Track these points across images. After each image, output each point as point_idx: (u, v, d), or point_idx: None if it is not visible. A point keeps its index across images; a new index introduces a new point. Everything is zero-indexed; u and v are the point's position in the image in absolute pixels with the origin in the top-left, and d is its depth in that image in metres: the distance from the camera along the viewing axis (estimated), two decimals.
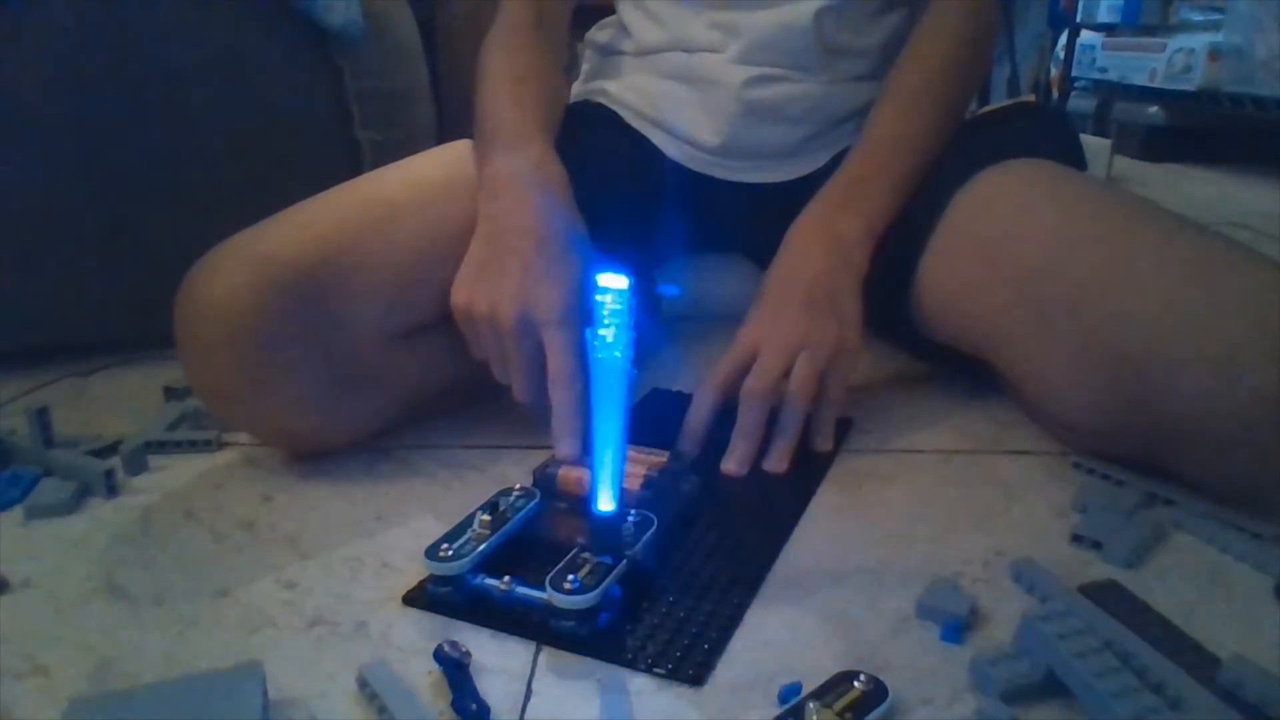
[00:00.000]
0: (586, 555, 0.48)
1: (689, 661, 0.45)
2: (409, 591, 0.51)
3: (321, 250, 0.62)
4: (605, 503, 0.48)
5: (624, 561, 0.48)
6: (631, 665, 0.45)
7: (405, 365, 0.66)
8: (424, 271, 0.63)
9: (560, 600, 0.45)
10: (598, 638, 0.46)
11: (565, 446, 0.59)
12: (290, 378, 0.61)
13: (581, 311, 0.59)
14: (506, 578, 0.48)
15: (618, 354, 0.45)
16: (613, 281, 0.45)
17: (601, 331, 0.45)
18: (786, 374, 0.62)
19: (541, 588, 0.46)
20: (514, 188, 0.63)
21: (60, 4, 0.82)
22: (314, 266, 0.61)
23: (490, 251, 0.62)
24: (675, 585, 0.51)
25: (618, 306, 0.45)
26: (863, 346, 0.65)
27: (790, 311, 0.64)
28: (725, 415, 0.64)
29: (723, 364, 0.65)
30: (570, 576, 0.46)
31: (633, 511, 0.51)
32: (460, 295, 0.62)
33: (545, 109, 0.71)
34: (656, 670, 0.44)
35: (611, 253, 0.76)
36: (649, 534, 0.51)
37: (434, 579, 0.50)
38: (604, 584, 0.46)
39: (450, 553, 0.49)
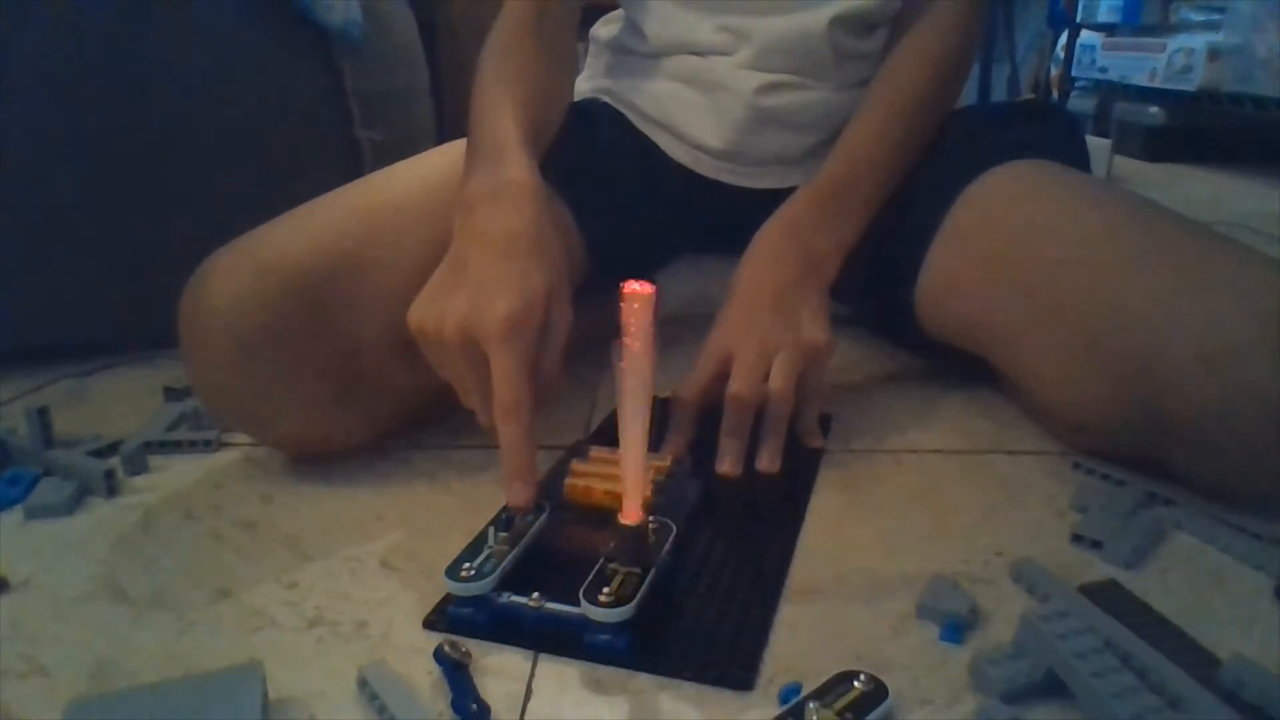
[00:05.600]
0: (615, 566, 0.47)
1: (733, 666, 0.44)
2: (428, 616, 0.49)
3: (327, 257, 0.62)
4: (632, 513, 0.47)
5: (653, 571, 0.48)
6: (676, 674, 0.44)
7: (409, 372, 0.65)
8: (428, 277, 0.62)
9: (598, 614, 0.45)
10: (635, 649, 0.45)
11: (517, 492, 0.52)
12: (294, 384, 0.61)
13: (538, 321, 0.54)
14: (536, 594, 0.47)
15: (643, 363, 0.45)
16: (638, 289, 0.45)
17: (626, 340, 0.45)
18: (764, 376, 0.62)
19: (572, 602, 0.46)
20: (487, 204, 0.58)
21: (60, 4, 0.82)
22: (319, 274, 0.61)
23: (451, 268, 0.57)
24: (698, 592, 0.50)
25: (643, 314, 0.45)
26: (834, 344, 0.65)
27: (762, 317, 0.64)
28: (704, 419, 0.64)
29: (698, 372, 0.65)
30: (605, 589, 0.45)
31: (652, 519, 0.50)
32: (414, 315, 0.56)
33: (535, 119, 0.68)
34: (704, 678, 0.44)
35: (614, 253, 0.76)
36: (669, 541, 0.50)
37: (455, 600, 0.48)
38: (640, 594, 0.45)
39: (472, 572, 0.48)
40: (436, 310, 0.55)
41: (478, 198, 0.59)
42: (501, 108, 0.65)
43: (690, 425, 0.64)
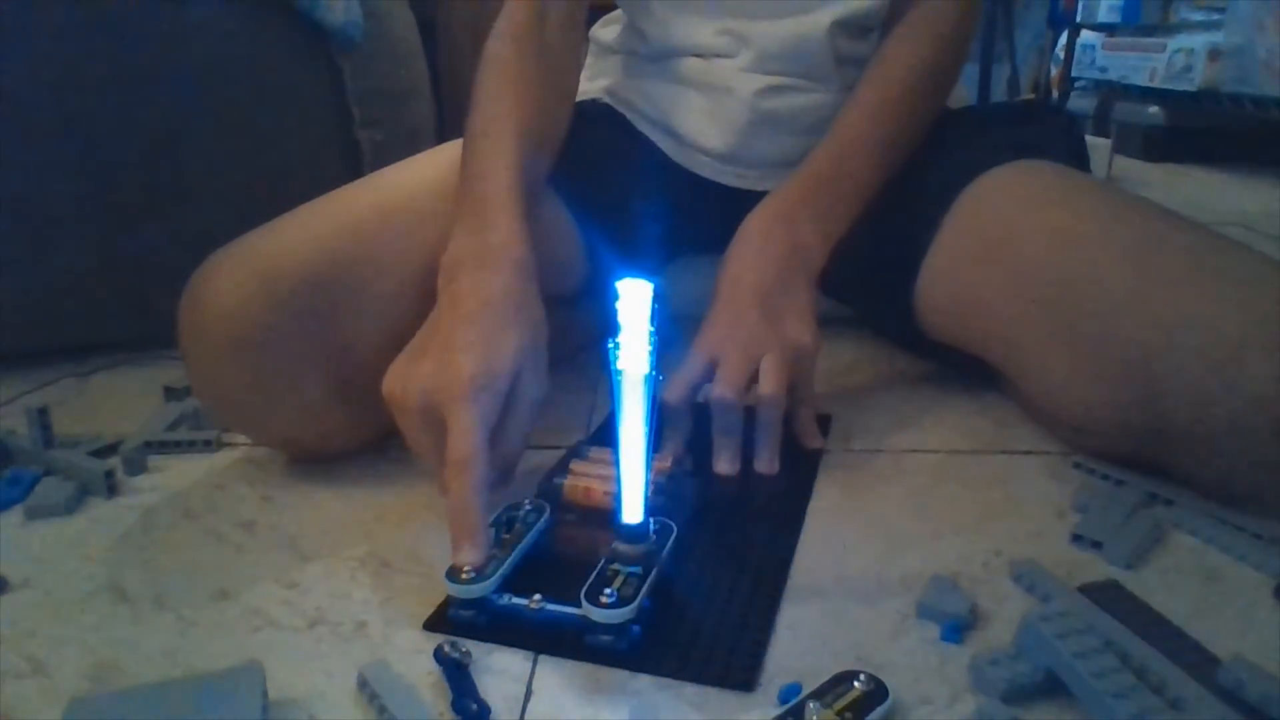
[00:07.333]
0: (616, 567, 0.47)
1: (734, 667, 0.44)
2: (429, 618, 0.49)
3: (326, 258, 0.62)
4: (633, 514, 0.47)
5: (654, 571, 0.47)
6: (677, 675, 0.44)
7: None
8: (428, 281, 0.61)
9: (599, 615, 0.44)
10: (636, 650, 0.45)
11: (464, 552, 0.48)
12: (294, 386, 0.61)
13: (502, 387, 0.53)
14: (537, 595, 0.47)
15: (643, 363, 0.45)
16: (636, 288, 0.45)
17: (624, 339, 0.45)
18: (750, 377, 0.62)
19: (573, 603, 0.46)
20: (468, 270, 0.57)
21: (60, 4, 0.82)
22: (319, 275, 0.61)
23: (425, 335, 0.56)
24: (699, 592, 0.50)
25: (642, 314, 0.45)
26: (820, 343, 0.65)
27: (747, 318, 0.64)
28: (704, 420, 0.64)
29: (683, 373, 0.64)
30: (606, 590, 0.45)
31: (653, 520, 0.50)
32: (386, 381, 0.55)
33: (535, 148, 0.65)
34: (705, 679, 0.44)
35: (612, 254, 0.76)
36: (670, 541, 0.50)
37: (456, 602, 0.48)
38: (641, 595, 0.45)
39: (472, 574, 0.48)
40: (403, 376, 0.54)
41: (460, 263, 0.58)
42: (496, 145, 0.63)
43: (685, 425, 0.64)
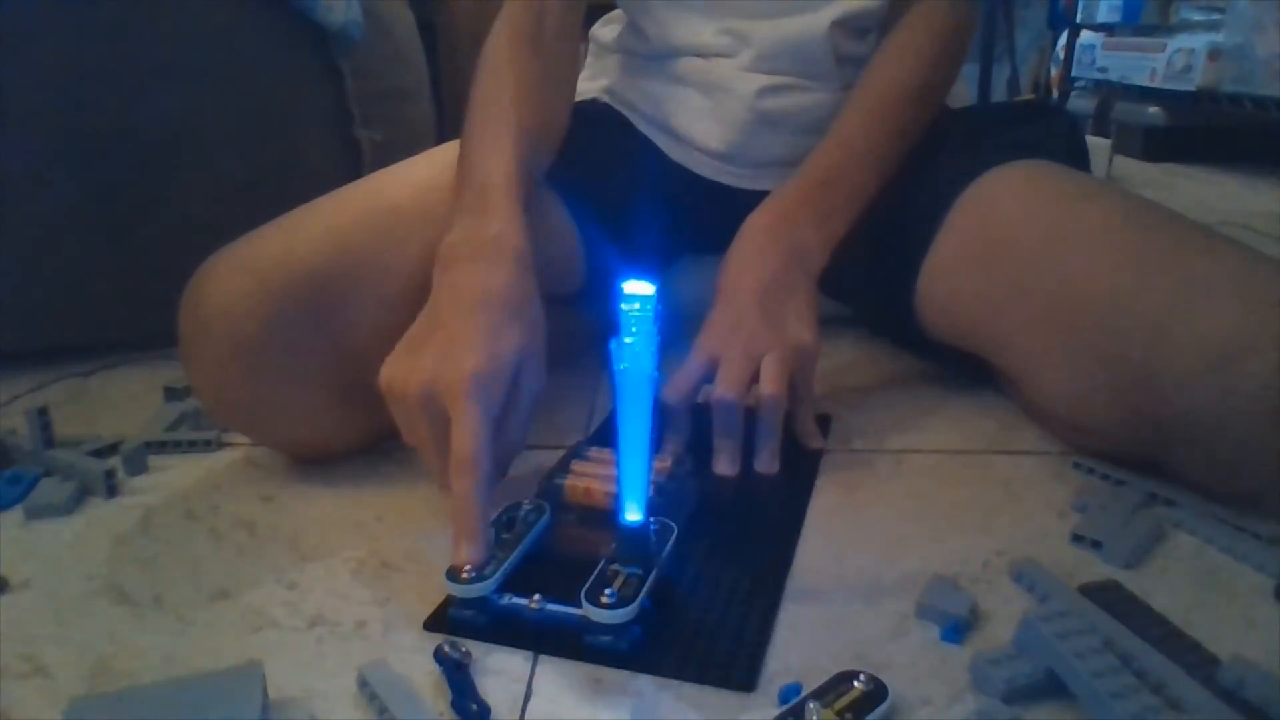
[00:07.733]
0: (616, 567, 0.47)
1: (735, 667, 0.44)
2: (429, 618, 0.49)
3: (326, 259, 0.62)
4: (633, 513, 0.47)
5: (654, 571, 0.47)
6: (677, 676, 0.44)
7: None
8: (428, 281, 0.60)
9: (599, 615, 0.44)
10: (637, 651, 0.45)
11: (465, 551, 0.48)
12: (294, 387, 0.61)
13: (506, 382, 0.53)
14: (537, 596, 0.47)
15: (644, 363, 0.45)
16: (638, 289, 0.45)
17: (626, 340, 0.45)
18: (751, 378, 0.62)
19: (573, 603, 0.46)
20: (466, 260, 0.57)
21: (60, 3, 0.82)
22: (319, 276, 0.61)
23: (424, 325, 0.56)
24: (699, 593, 0.50)
25: (644, 314, 0.45)
26: (820, 343, 0.65)
27: (747, 319, 0.64)
28: (701, 419, 0.64)
29: (684, 373, 0.64)
30: (606, 590, 0.45)
31: (653, 520, 0.50)
32: (384, 372, 0.54)
33: (533, 146, 0.65)
34: (706, 679, 0.44)
35: (613, 254, 0.76)
36: (670, 541, 0.50)
37: (457, 602, 0.48)
38: (641, 595, 0.45)
39: (472, 574, 0.48)
40: (403, 368, 0.54)
41: (458, 253, 0.58)
42: (495, 140, 0.63)
43: (685, 425, 0.64)
